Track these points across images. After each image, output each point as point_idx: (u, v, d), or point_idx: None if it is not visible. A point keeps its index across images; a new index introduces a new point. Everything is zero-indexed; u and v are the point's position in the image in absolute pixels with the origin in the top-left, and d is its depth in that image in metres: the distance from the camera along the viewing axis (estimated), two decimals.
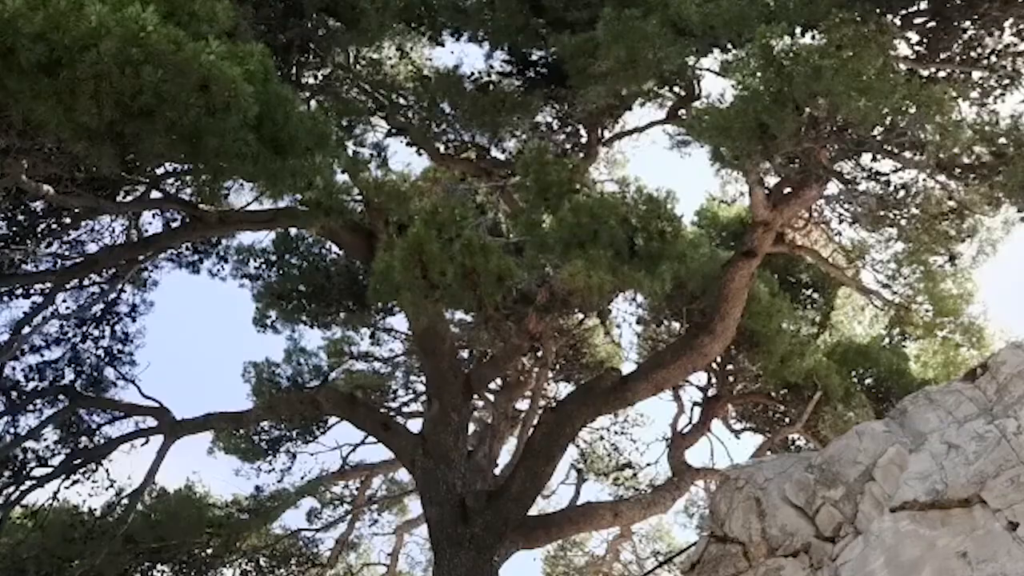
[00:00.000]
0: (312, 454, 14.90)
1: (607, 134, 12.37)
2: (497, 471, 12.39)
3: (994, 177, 7.21)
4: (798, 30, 7.14)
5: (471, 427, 12.26)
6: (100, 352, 12.23)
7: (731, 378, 12.79)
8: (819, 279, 12.90)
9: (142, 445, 11.89)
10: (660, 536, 16.91)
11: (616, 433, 15.97)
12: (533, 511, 10.54)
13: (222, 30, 5.82)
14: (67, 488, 11.48)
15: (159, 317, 14.31)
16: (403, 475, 15.63)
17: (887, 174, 8.49)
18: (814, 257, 11.29)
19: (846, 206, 9.54)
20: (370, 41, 11.10)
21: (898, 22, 8.34)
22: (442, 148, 12.03)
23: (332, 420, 14.37)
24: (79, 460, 11.64)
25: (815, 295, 13.35)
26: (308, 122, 6.19)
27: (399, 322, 14.22)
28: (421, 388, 14.83)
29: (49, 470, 11.35)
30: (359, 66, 11.80)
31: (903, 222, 8.76)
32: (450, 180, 12.21)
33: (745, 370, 12.52)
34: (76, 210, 10.59)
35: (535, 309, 9.32)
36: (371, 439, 13.37)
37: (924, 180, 8.43)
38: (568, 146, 12.09)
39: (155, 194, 10.72)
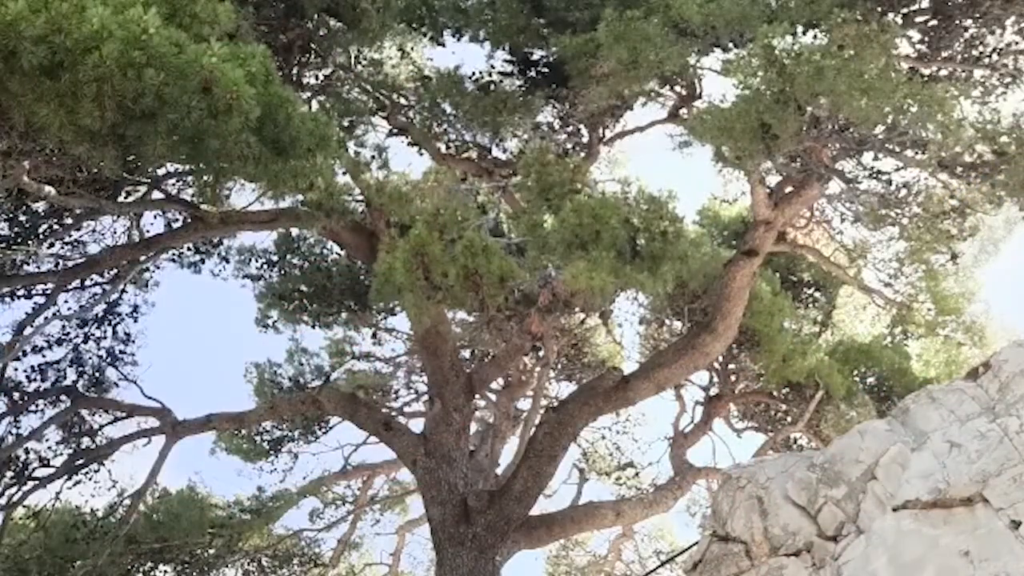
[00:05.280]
0: (314, 454, 14.98)
1: (608, 134, 12.36)
2: (499, 471, 12.41)
3: (996, 175, 7.22)
4: (800, 30, 7.14)
5: (473, 427, 12.29)
6: (102, 353, 12.25)
7: (733, 377, 12.80)
8: (821, 278, 12.91)
9: (144, 446, 11.94)
10: (662, 535, 16.92)
11: (618, 432, 16.00)
12: (535, 510, 10.54)
13: (223, 32, 5.83)
14: (69, 489, 11.53)
15: (161, 317, 14.32)
16: (405, 475, 15.65)
17: (889, 173, 8.50)
18: (816, 256, 11.29)
19: (848, 205, 9.54)
20: (371, 41, 11.11)
21: (900, 21, 8.35)
22: (443, 148, 12.03)
23: (334, 420, 14.41)
24: (81, 461, 11.66)
25: (817, 294, 13.35)
26: (309, 123, 6.19)
27: (401, 322, 14.25)
28: (423, 388, 14.85)
29: (51, 471, 11.37)
30: (360, 66, 11.80)
31: (905, 221, 8.75)
32: (452, 180, 12.21)
33: (747, 369, 12.53)
34: (78, 211, 10.61)
35: (537, 310, 9.32)
36: (373, 439, 13.39)
37: (926, 179, 8.44)
38: (570, 146, 12.08)
39: (156, 195, 10.74)
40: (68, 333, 11.98)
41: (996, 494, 4.42)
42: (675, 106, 10.93)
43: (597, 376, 11.69)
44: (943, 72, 8.96)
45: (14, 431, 11.22)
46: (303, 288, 13.11)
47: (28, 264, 10.92)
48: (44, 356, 11.71)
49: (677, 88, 10.41)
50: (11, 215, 10.37)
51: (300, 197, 9.34)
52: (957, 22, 8.48)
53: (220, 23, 5.77)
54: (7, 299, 10.83)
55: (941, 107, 6.92)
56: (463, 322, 13.90)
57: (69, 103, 4.96)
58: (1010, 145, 7.07)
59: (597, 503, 11.73)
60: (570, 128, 12.13)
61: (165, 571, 12.38)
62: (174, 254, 12.49)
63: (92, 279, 11.72)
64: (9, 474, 11.09)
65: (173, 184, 11.03)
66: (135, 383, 12.11)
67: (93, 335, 12.19)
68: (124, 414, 12.16)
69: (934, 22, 8.60)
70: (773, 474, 5.94)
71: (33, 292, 10.94)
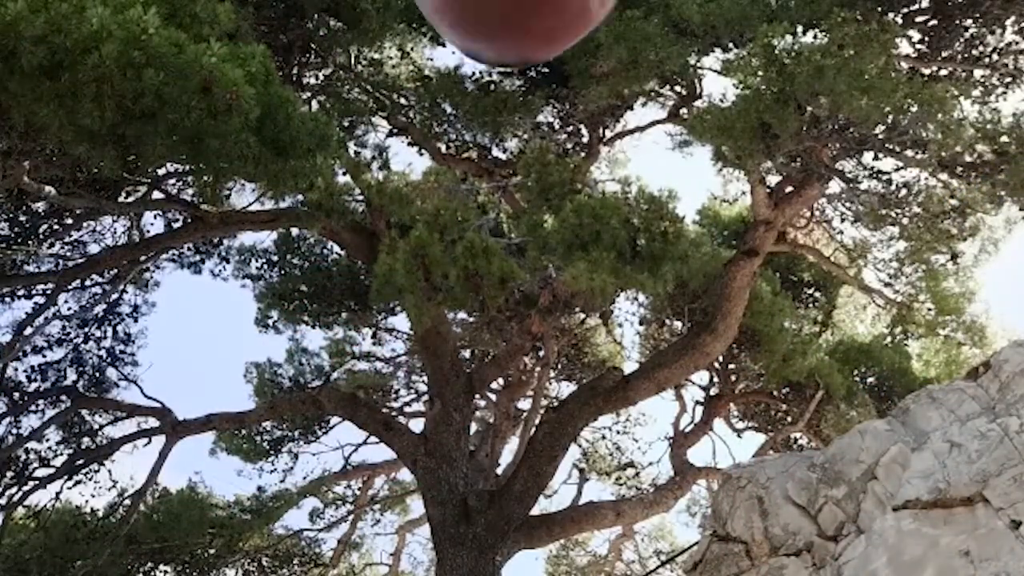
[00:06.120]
0: (314, 454, 14.94)
1: (608, 134, 12.37)
2: (499, 471, 12.41)
3: (996, 175, 7.22)
4: (800, 29, 7.14)
5: (473, 427, 12.28)
6: (102, 353, 12.26)
7: (733, 377, 12.80)
8: (821, 278, 12.91)
9: (144, 446, 11.93)
10: (662, 535, 16.93)
11: (618, 432, 15.98)
12: (535, 510, 10.55)
13: (223, 32, 5.83)
14: (69, 489, 11.52)
15: (161, 318, 14.33)
16: (405, 475, 15.64)
17: (889, 173, 8.50)
18: (816, 256, 11.29)
19: (848, 205, 9.54)
20: (371, 41, 11.10)
21: (900, 21, 8.35)
22: (443, 148, 12.03)
23: (334, 420, 14.40)
24: (81, 461, 11.66)
25: (817, 294, 13.35)
26: (309, 123, 6.19)
27: (401, 322, 14.24)
28: (423, 388, 14.84)
29: (51, 471, 11.37)
30: (360, 66, 11.80)
31: (905, 221, 8.75)
32: (452, 180, 12.21)
33: (747, 369, 12.52)
34: (78, 211, 10.61)
35: (537, 310, 9.32)
36: (373, 439, 13.39)
37: (926, 178, 8.44)
38: (570, 146, 12.09)
39: (157, 195, 10.73)
40: (68, 333, 11.99)
41: (996, 494, 4.43)
42: (675, 106, 10.94)
43: (597, 376, 11.68)
44: (943, 72, 8.96)
45: (14, 431, 11.24)
46: (303, 288, 13.10)
47: (28, 264, 10.93)
48: (44, 356, 11.74)
49: (677, 88, 10.41)
50: (11, 215, 10.38)
51: (300, 197, 9.35)
52: (957, 22, 8.49)
53: (220, 23, 5.77)
54: (7, 299, 10.84)
55: (941, 107, 6.93)
56: (463, 322, 13.89)
57: (69, 103, 4.96)
58: (1010, 145, 7.07)
59: (597, 503, 11.73)
60: (570, 128, 12.14)
61: (165, 571, 12.38)
62: (174, 254, 12.49)
63: (92, 279, 11.74)
64: (9, 474, 11.10)
65: (173, 184, 11.02)
66: (135, 383, 12.13)
67: (93, 335, 12.20)
68: (124, 414, 12.16)
69: (934, 22, 8.60)
70: (773, 474, 5.94)
71: (33, 292, 10.95)
